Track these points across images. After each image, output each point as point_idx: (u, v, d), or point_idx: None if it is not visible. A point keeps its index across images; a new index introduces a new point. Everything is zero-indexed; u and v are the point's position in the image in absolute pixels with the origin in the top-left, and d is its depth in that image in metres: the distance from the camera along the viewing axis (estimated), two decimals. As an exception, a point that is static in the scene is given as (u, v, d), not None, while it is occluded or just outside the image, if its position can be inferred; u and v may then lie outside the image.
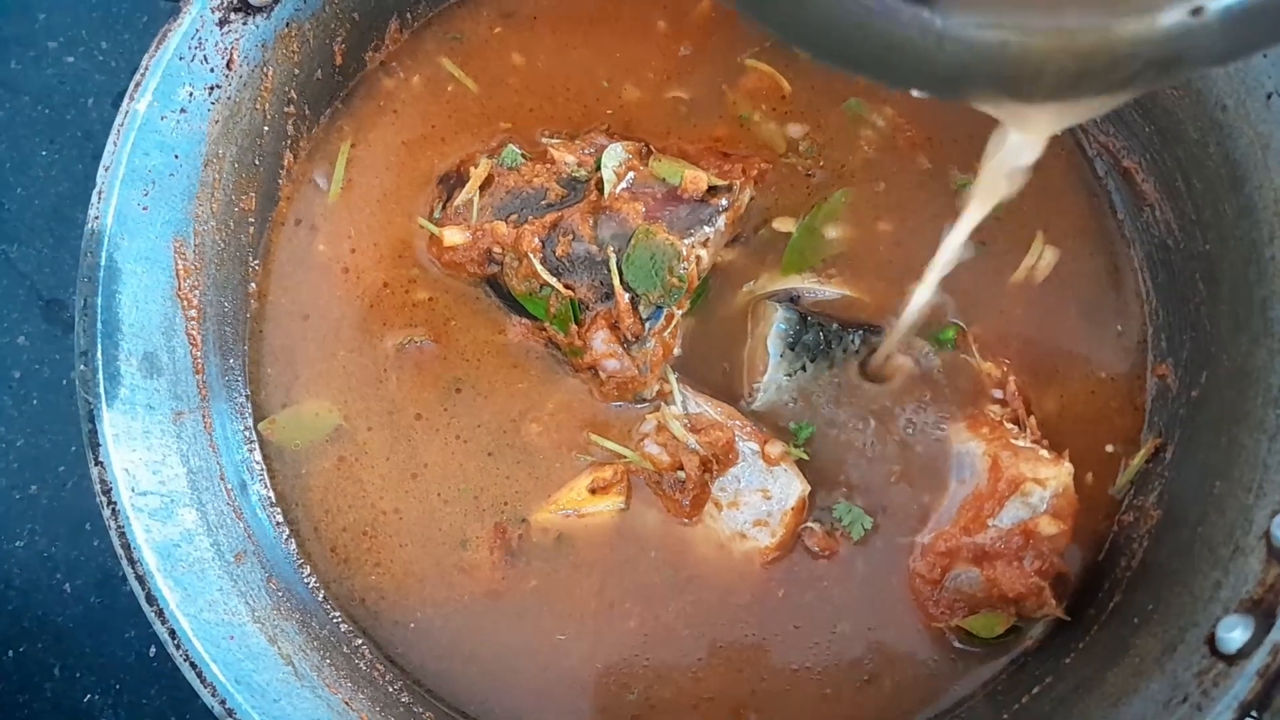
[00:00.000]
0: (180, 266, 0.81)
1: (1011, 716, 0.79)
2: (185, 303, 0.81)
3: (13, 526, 0.99)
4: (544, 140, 0.92)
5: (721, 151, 0.92)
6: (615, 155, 0.87)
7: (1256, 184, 0.79)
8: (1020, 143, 0.64)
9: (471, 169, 0.89)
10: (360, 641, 0.82)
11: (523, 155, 0.89)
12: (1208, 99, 0.83)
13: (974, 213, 0.72)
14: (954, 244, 0.74)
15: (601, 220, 0.85)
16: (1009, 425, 0.85)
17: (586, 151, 0.89)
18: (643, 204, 0.85)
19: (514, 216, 0.86)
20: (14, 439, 1.00)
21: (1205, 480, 0.80)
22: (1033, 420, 0.86)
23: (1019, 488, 0.81)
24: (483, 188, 0.88)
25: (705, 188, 0.86)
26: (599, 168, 0.87)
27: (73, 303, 0.75)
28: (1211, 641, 0.69)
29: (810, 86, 0.94)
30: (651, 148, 0.90)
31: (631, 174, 0.87)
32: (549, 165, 0.88)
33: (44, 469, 1.00)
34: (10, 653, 0.97)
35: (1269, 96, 0.78)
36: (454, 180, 0.91)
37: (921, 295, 0.78)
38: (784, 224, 0.91)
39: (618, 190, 0.86)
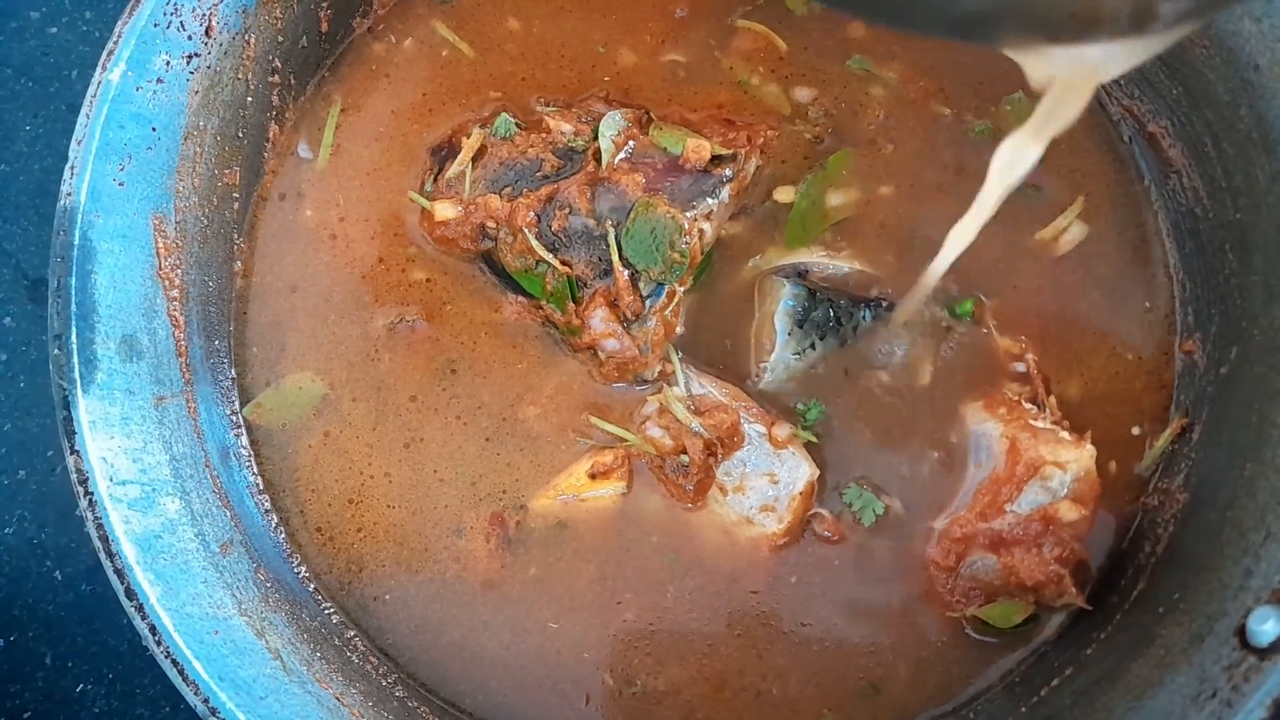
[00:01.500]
0: (161, 244, 0.78)
1: (1030, 709, 0.76)
2: (166, 282, 0.78)
3: (1, 513, 0.97)
4: (539, 108, 0.88)
5: (725, 119, 0.88)
6: (614, 124, 0.83)
7: (1292, 147, 0.75)
8: (1062, 95, 0.60)
9: (463, 139, 0.85)
10: (352, 633, 0.79)
11: (517, 125, 0.85)
12: (1239, 58, 0.78)
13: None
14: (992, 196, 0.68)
15: (599, 192, 0.81)
16: (1027, 405, 0.81)
17: (584, 120, 0.85)
18: (643, 175, 0.81)
19: (508, 189, 0.83)
20: (1, 423, 0.98)
21: (1234, 461, 0.76)
22: (1052, 400, 0.83)
23: (1038, 471, 0.77)
24: (475, 159, 0.84)
25: (708, 157, 0.82)
26: (596, 137, 0.83)
27: (59, 283, 0.72)
28: (1242, 633, 0.65)
29: (804, 46, 0.90)
30: (652, 115, 0.86)
31: (631, 143, 0.83)
32: (544, 135, 0.84)
33: (32, 453, 0.98)
34: (0, 642, 0.95)
35: (1307, 54, 0.73)
36: (445, 151, 0.87)
37: (961, 237, 0.70)
38: (785, 194, 0.87)
39: (616, 160, 0.82)
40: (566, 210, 0.80)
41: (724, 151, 0.83)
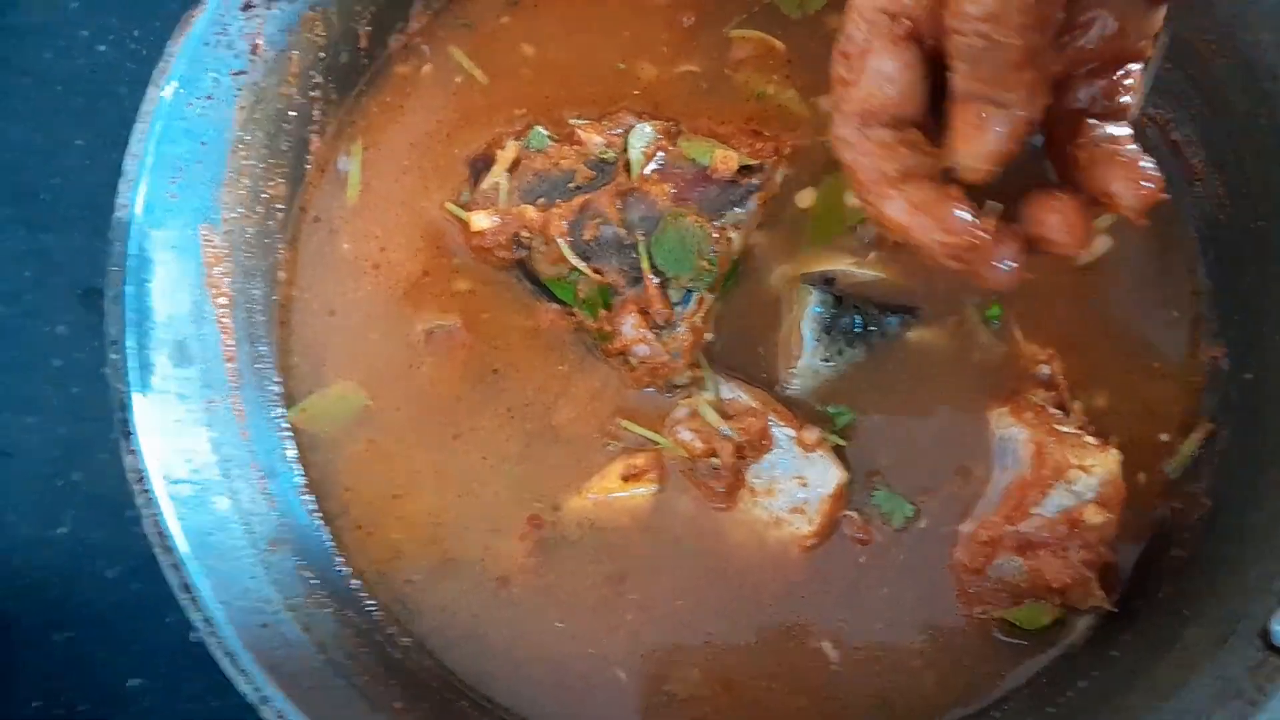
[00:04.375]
0: (209, 254, 0.81)
1: (1057, 710, 0.77)
2: (214, 290, 0.81)
3: (55, 514, 1.00)
4: (572, 121, 0.91)
5: (753, 130, 0.90)
6: (643, 136, 0.85)
7: (1311, 156, 0.76)
8: None
9: (498, 151, 0.87)
10: (393, 630, 0.82)
11: (550, 137, 0.88)
12: (1258, 69, 0.80)
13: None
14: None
15: (630, 202, 0.83)
16: (1053, 410, 0.83)
17: (614, 132, 0.87)
18: (672, 185, 0.83)
19: (542, 200, 0.85)
20: (54, 427, 1.01)
21: (1258, 467, 0.77)
22: (1078, 405, 0.84)
23: (1064, 475, 0.78)
24: (510, 171, 0.87)
25: (736, 168, 0.84)
26: (627, 149, 0.85)
27: (108, 292, 0.75)
28: (1265, 635, 0.66)
29: (803, 51, 0.90)
30: (682, 127, 0.88)
31: (661, 154, 0.85)
32: (577, 147, 0.86)
33: (85, 456, 1.01)
34: (54, 638, 0.98)
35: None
36: (481, 164, 0.89)
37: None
38: (805, 199, 0.89)
39: (646, 171, 0.84)
40: (598, 220, 0.83)
41: (752, 162, 0.85)
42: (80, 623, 0.97)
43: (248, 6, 0.80)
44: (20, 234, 1.01)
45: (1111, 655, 0.78)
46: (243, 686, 0.65)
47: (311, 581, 0.78)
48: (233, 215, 0.83)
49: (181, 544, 0.69)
